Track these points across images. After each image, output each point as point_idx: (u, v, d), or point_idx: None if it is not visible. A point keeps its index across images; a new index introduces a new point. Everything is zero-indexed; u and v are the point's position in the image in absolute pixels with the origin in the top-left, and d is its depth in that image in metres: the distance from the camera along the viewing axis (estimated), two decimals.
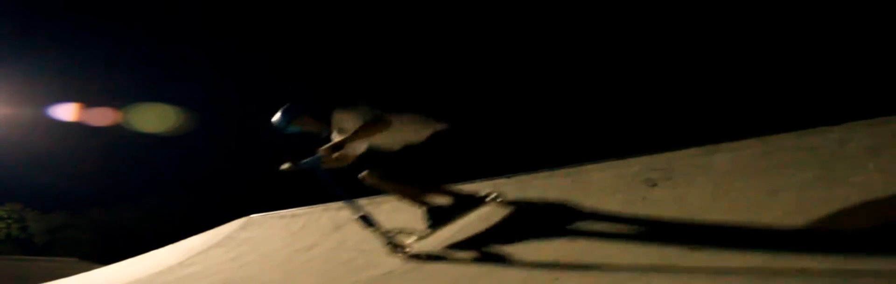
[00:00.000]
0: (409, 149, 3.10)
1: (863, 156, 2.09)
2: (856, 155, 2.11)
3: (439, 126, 3.14)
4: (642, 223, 2.42)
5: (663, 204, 2.50)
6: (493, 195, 3.25)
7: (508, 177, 3.71)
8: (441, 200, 3.16)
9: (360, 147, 3.25)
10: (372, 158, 3.23)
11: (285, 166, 3.22)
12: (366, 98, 3.14)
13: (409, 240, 3.09)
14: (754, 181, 2.32)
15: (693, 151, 2.80)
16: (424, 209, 3.14)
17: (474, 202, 3.16)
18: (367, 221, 3.12)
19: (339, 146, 2.98)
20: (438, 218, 3.09)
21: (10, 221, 31.56)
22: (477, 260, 2.71)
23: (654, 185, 2.68)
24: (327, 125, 3.18)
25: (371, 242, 3.23)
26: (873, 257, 1.55)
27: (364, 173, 3.15)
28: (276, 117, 3.22)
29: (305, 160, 3.16)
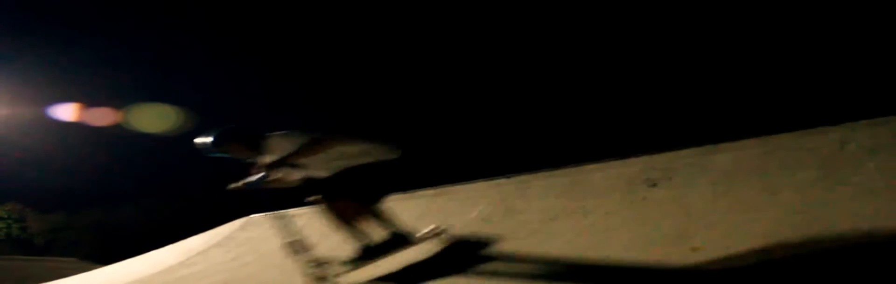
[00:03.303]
0: (352, 172, 2.96)
1: (863, 156, 2.09)
2: (856, 155, 2.11)
3: (388, 151, 3.01)
4: (642, 223, 2.42)
5: (663, 204, 2.50)
6: (434, 231, 3.12)
7: (508, 177, 3.71)
8: (378, 230, 2.98)
9: (298, 172, 3.13)
10: (320, 181, 3.04)
11: (234, 185, 3.19)
12: (301, 127, 3.02)
13: (337, 270, 2.92)
14: (754, 181, 2.32)
15: (693, 151, 2.80)
16: (360, 243, 2.96)
17: (408, 240, 2.97)
18: (297, 246, 2.97)
19: (276, 165, 2.90)
20: (371, 253, 2.93)
21: (10, 221, 31.53)
22: None
23: (654, 185, 2.68)
24: (255, 153, 3.05)
25: None
26: (873, 257, 1.56)
27: (314, 196, 3.01)
28: (204, 140, 3.14)
29: (251, 180, 3.10)
